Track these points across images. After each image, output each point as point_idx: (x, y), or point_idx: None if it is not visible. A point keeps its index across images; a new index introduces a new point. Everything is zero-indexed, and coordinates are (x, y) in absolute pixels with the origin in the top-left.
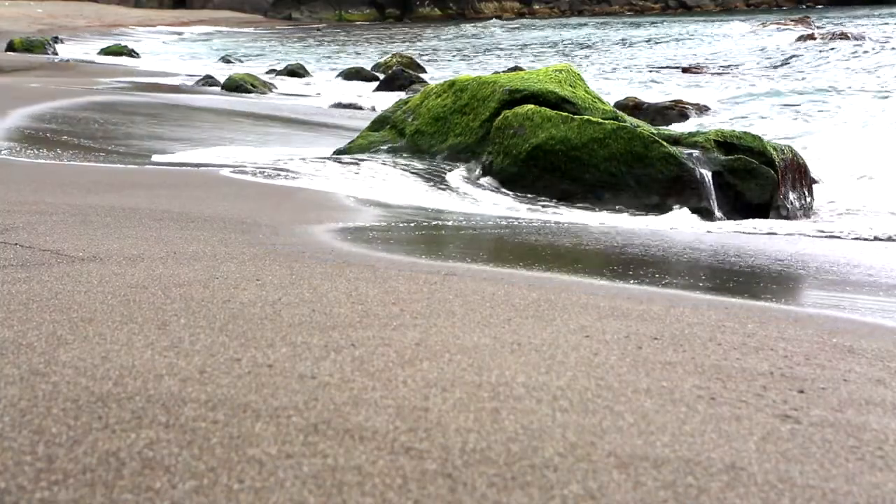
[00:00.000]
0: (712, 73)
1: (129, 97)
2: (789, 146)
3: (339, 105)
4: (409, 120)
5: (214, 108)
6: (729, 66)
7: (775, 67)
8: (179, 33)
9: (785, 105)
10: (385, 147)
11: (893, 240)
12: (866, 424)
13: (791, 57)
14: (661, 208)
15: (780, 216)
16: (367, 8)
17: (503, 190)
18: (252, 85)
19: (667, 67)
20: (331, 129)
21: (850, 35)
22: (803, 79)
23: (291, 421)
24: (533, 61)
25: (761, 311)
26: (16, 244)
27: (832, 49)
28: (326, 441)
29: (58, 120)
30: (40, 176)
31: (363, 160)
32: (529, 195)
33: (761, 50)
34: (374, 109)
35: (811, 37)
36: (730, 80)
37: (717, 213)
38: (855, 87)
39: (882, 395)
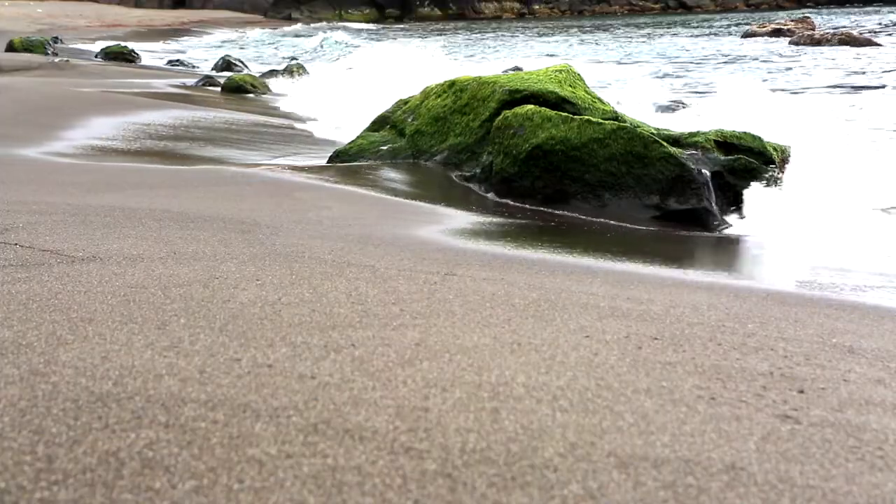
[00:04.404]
0: None
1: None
2: (789, 146)
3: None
4: (409, 120)
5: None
6: None
7: None
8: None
9: None
10: (385, 147)
11: None
12: (866, 424)
13: None
14: (661, 208)
15: None
16: (366, 8)
17: (502, 189)
18: (252, 86)
19: None
20: None
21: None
22: None
23: (291, 421)
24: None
25: (761, 312)
26: (16, 244)
27: None
28: (326, 441)
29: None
30: (40, 176)
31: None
32: (528, 194)
33: None
34: None
35: None
36: None
37: (717, 213)
38: None
39: (882, 395)
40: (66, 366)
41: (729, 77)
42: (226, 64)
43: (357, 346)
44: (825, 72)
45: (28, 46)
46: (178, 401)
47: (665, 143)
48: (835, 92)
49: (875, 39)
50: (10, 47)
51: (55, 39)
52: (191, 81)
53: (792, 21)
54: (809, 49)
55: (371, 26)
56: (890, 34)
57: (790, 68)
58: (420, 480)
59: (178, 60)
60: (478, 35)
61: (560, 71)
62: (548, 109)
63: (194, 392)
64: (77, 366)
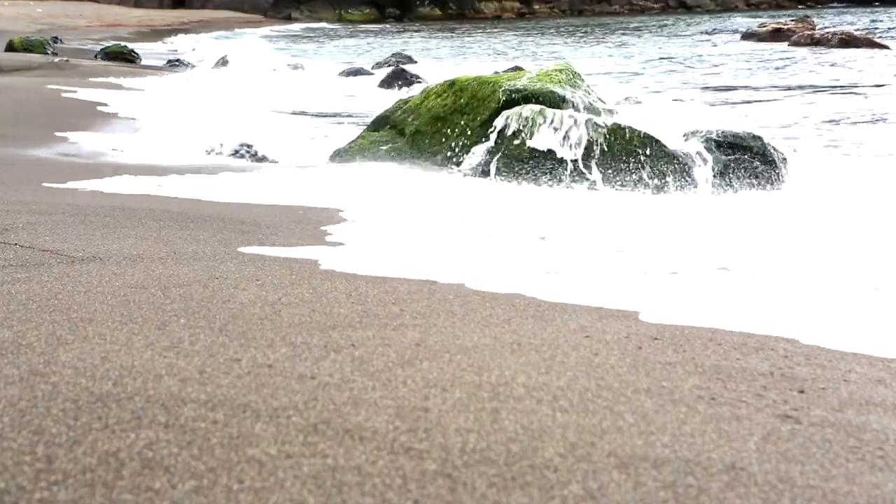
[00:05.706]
0: None
1: None
2: (791, 147)
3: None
4: (410, 120)
5: None
6: None
7: None
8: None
9: None
10: (385, 147)
11: None
12: (866, 424)
13: None
14: None
15: None
16: (366, 8)
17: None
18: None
19: None
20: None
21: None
22: None
23: (291, 421)
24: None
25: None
26: (16, 244)
27: None
28: (326, 441)
29: None
30: (40, 176)
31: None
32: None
33: None
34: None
35: None
36: None
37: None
38: None
39: (882, 395)
40: (65, 366)
41: (715, 77)
42: (224, 63)
43: (357, 346)
44: (812, 74)
45: (28, 46)
46: (178, 401)
47: (665, 143)
48: (824, 91)
49: (877, 40)
50: (10, 47)
51: (55, 39)
52: None
53: (792, 21)
54: (808, 49)
55: (335, 26)
56: (893, 37)
57: (779, 68)
58: (420, 480)
59: (177, 60)
60: (464, 35)
61: (560, 71)
62: (548, 109)
63: (194, 392)
64: (77, 366)
